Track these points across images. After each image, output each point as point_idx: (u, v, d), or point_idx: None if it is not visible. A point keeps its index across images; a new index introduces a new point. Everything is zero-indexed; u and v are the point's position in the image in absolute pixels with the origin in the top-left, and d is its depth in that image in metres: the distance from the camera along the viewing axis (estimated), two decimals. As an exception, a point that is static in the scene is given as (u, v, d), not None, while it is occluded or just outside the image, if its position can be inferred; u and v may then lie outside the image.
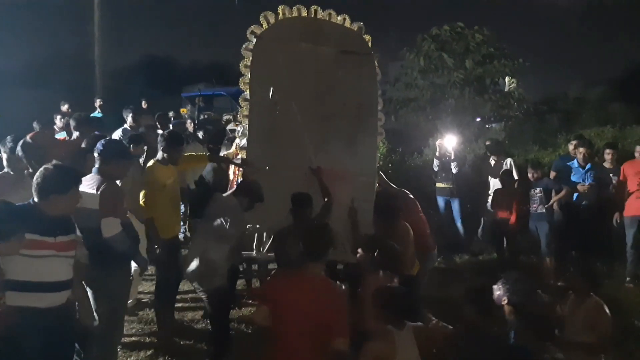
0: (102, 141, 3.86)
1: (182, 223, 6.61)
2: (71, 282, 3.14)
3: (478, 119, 12.09)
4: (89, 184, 3.54)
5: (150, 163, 4.76)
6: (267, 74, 4.63)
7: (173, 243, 4.84)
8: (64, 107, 8.88)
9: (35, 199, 2.99)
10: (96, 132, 5.10)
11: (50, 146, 4.11)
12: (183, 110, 13.62)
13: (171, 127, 9.17)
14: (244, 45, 4.47)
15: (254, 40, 4.48)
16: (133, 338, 4.84)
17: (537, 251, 6.66)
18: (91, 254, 3.50)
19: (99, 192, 3.55)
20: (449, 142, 7.55)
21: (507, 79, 12.47)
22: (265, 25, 4.52)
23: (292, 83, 4.71)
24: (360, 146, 5.03)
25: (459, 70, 11.08)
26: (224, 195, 4.41)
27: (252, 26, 4.47)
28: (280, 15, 4.56)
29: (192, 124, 9.91)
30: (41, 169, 3.04)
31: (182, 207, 6.72)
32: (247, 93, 4.61)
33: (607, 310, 3.51)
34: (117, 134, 7.01)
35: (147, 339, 4.83)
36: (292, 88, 4.73)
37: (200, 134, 7.68)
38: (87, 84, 14.91)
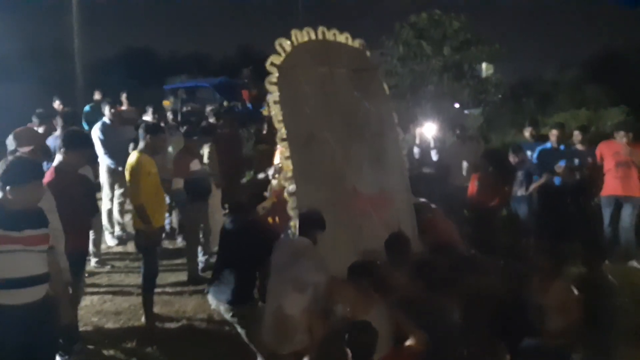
0: (64, 132, 3.96)
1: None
2: (47, 275, 3.10)
3: (457, 105, 12.25)
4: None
5: (136, 153, 4.89)
6: (296, 106, 4.40)
7: (159, 232, 5.05)
8: (56, 104, 8.73)
9: None
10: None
11: (28, 141, 4.13)
12: (165, 103, 13.52)
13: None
14: (267, 79, 4.30)
15: (275, 72, 4.27)
16: (119, 327, 4.90)
17: (517, 234, 6.82)
18: None
19: None
20: (428, 129, 7.63)
21: (484, 65, 12.63)
22: (281, 52, 4.35)
23: (320, 110, 4.54)
24: (390, 163, 4.94)
25: (437, 57, 11.21)
26: (291, 237, 3.98)
27: (271, 57, 4.30)
28: (294, 39, 4.43)
29: (173, 116, 9.84)
30: (2, 161, 3.04)
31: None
32: (283, 131, 4.26)
33: (576, 291, 3.63)
34: (96, 128, 7.00)
35: (133, 330, 4.87)
36: (321, 116, 4.54)
37: (183, 128, 7.59)
38: (65, 77, 14.62)
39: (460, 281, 3.60)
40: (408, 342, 3.07)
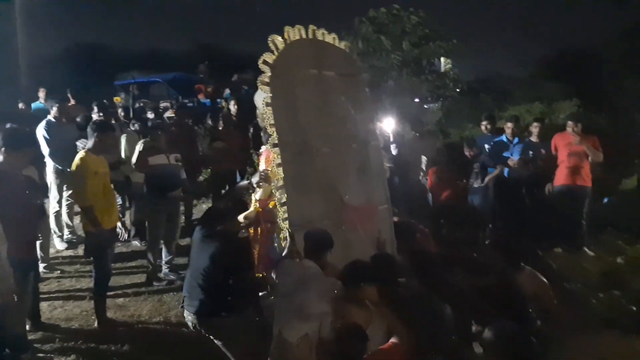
0: (4, 131, 3.81)
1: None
2: None
3: (416, 100, 12.37)
4: None
5: (81, 152, 4.74)
6: (289, 110, 4.17)
7: (110, 234, 4.86)
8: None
9: None
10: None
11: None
12: (117, 99, 13.12)
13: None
14: (259, 78, 4.06)
15: (267, 70, 4.03)
16: (71, 334, 4.70)
17: (475, 225, 6.93)
18: None
19: None
20: (388, 124, 7.67)
21: (442, 60, 12.80)
22: (274, 49, 4.09)
23: (312, 116, 4.35)
24: (375, 173, 4.84)
25: (397, 52, 11.26)
26: (297, 261, 3.63)
27: (264, 55, 4.05)
28: (286, 36, 4.20)
29: (124, 113, 9.53)
30: None
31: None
32: (275, 137, 4.00)
33: (542, 277, 3.69)
34: (40, 126, 6.68)
35: (86, 336, 4.69)
36: (313, 122, 4.35)
37: (135, 125, 7.33)
38: (9, 74, 13.94)
39: (451, 276, 3.60)
40: (392, 340, 3.06)
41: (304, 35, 4.34)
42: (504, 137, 7.09)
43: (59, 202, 6.87)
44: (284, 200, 3.95)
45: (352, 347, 2.86)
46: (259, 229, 4.71)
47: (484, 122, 7.58)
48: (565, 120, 6.98)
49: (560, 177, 6.54)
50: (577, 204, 6.44)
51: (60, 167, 6.61)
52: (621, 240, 6.51)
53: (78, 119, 7.00)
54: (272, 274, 3.88)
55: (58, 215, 6.90)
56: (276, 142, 3.98)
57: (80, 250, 6.63)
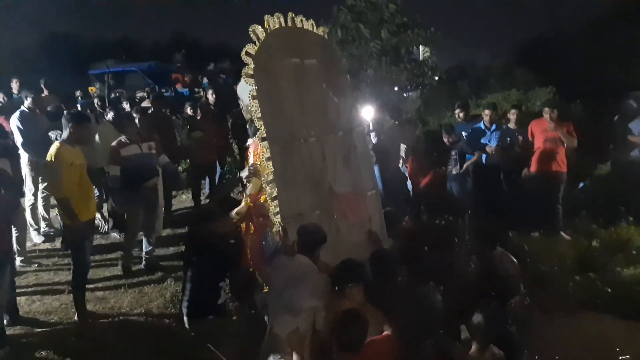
0: None
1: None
2: None
3: (396, 88, 12.39)
4: None
5: (56, 143, 4.63)
6: (274, 101, 4.11)
7: (88, 226, 4.77)
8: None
9: None
10: None
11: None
12: (91, 89, 12.84)
13: (78, 107, 8.63)
14: (243, 71, 3.98)
15: (250, 62, 3.94)
16: (50, 328, 4.64)
17: (455, 212, 7.03)
18: None
19: None
20: (367, 112, 7.67)
21: (421, 48, 12.83)
22: (255, 40, 4.01)
23: (296, 106, 4.31)
24: (361, 159, 4.85)
25: (375, 40, 11.23)
26: (291, 257, 3.60)
27: (246, 46, 3.96)
28: (266, 25, 4.11)
29: (101, 103, 9.33)
30: None
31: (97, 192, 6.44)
32: (263, 130, 3.93)
33: (513, 257, 3.78)
34: (14, 117, 6.51)
35: (66, 329, 4.64)
36: (298, 112, 4.31)
37: (110, 115, 7.15)
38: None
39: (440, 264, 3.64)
40: (386, 332, 3.11)
41: (283, 24, 4.28)
42: (481, 124, 7.17)
43: (35, 195, 6.72)
44: (274, 194, 3.92)
45: (352, 333, 2.90)
46: (250, 223, 4.65)
47: (457, 110, 7.67)
48: (541, 107, 7.09)
49: (536, 163, 6.64)
50: (553, 189, 6.57)
51: (35, 159, 6.46)
52: (596, 224, 6.65)
53: (49, 109, 6.84)
54: (265, 269, 3.88)
55: (34, 208, 6.75)
56: (264, 135, 3.94)
57: (57, 243, 6.52)
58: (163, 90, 12.64)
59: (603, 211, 6.88)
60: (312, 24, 4.65)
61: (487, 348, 2.92)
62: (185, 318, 3.76)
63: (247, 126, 4.91)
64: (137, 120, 6.43)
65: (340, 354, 2.92)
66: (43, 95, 7.72)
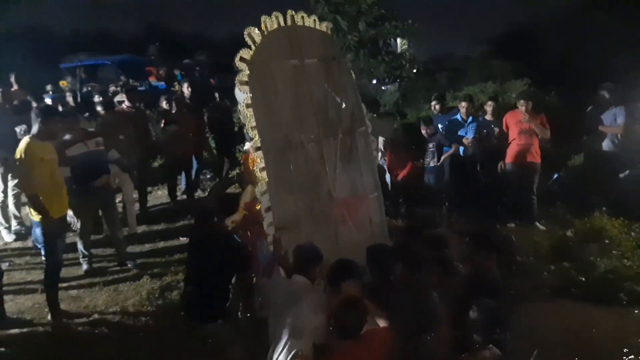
0: None
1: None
2: None
3: (374, 81, 12.39)
4: None
5: (26, 138, 4.51)
6: (270, 108, 4.00)
7: (60, 223, 4.69)
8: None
9: None
10: None
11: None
12: (63, 83, 12.52)
13: (49, 102, 8.42)
14: (237, 78, 3.85)
15: (246, 68, 3.83)
16: (24, 328, 4.54)
17: (433, 203, 7.07)
18: None
19: None
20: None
21: (398, 41, 12.85)
22: (251, 44, 3.89)
23: (294, 110, 4.18)
24: (363, 160, 4.74)
25: (353, 32, 11.20)
26: (288, 278, 3.54)
27: (241, 51, 3.82)
28: (263, 27, 3.99)
29: (73, 98, 9.09)
30: None
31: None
32: (257, 139, 3.85)
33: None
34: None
35: (41, 328, 4.56)
36: (295, 116, 4.18)
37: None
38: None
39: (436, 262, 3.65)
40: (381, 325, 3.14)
41: (282, 23, 4.14)
42: (458, 116, 7.21)
43: (5, 192, 6.57)
44: (268, 205, 3.85)
45: (351, 318, 2.91)
46: (247, 231, 4.55)
47: (433, 103, 7.70)
48: (517, 99, 7.15)
49: (511, 155, 6.71)
50: (528, 180, 6.65)
51: (4, 155, 6.27)
52: (570, 214, 6.77)
53: (15, 103, 6.65)
54: (261, 279, 3.85)
55: (4, 205, 6.61)
56: (259, 145, 3.86)
57: (29, 242, 6.38)
58: (137, 84, 12.42)
59: (577, 201, 7.00)
60: (314, 20, 4.52)
61: (486, 346, 2.90)
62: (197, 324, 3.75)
63: (244, 130, 4.76)
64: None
65: (339, 342, 2.93)
66: (12, 89, 7.52)
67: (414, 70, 12.42)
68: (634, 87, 7.19)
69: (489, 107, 7.20)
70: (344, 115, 4.64)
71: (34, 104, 6.58)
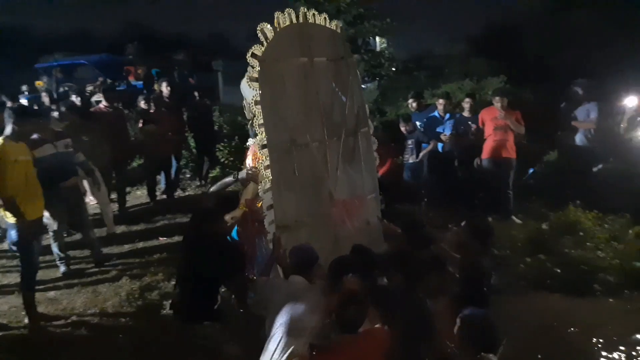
0: None
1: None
2: None
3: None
4: None
5: None
6: (278, 107, 3.99)
7: (36, 225, 4.64)
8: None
9: None
10: None
11: None
12: (39, 83, 12.31)
13: (25, 103, 8.28)
14: (246, 75, 3.85)
15: (257, 65, 3.81)
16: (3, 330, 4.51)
17: (413, 199, 7.15)
18: None
19: None
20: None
21: (377, 39, 12.92)
22: (263, 40, 3.86)
23: (301, 110, 4.17)
24: (364, 161, 4.73)
25: (332, 31, 11.22)
26: (286, 279, 3.55)
27: (253, 47, 3.81)
28: (276, 23, 3.96)
29: (49, 98, 8.95)
30: None
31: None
32: (263, 137, 3.85)
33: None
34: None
35: (18, 331, 4.50)
36: (302, 116, 4.17)
37: (56, 113, 6.82)
38: None
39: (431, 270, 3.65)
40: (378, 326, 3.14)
41: (294, 20, 4.12)
42: (436, 113, 7.31)
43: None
44: (270, 203, 3.86)
45: (352, 312, 2.91)
46: (246, 228, 4.49)
47: (411, 100, 7.78)
48: (493, 95, 7.26)
49: (487, 151, 6.82)
50: (504, 175, 6.76)
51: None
52: (545, 208, 6.90)
53: None
54: (258, 279, 3.83)
55: (-22, 208, 6.43)
56: (265, 143, 3.88)
57: (5, 244, 6.24)
58: (115, 84, 12.28)
59: (552, 195, 7.13)
60: (324, 18, 4.50)
61: (479, 356, 2.86)
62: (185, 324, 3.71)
63: (248, 126, 4.73)
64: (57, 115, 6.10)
65: (339, 337, 2.94)
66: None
67: (393, 69, 12.51)
68: (607, 83, 7.36)
69: (466, 104, 7.31)
70: (349, 115, 4.66)
71: (8, 104, 6.49)
